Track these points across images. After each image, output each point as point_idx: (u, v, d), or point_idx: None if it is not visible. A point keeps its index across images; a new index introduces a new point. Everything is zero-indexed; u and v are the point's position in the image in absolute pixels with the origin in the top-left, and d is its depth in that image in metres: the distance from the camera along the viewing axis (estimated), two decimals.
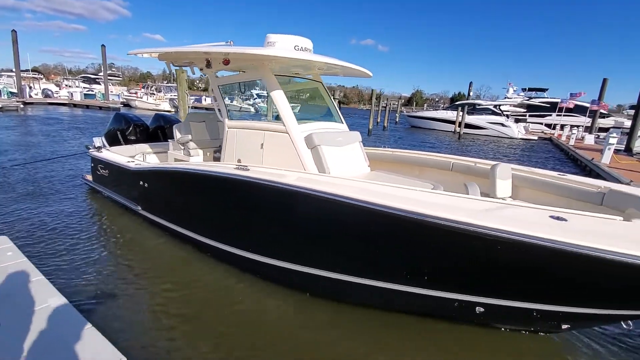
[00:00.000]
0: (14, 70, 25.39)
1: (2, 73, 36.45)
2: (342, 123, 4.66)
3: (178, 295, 3.31)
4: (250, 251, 3.49)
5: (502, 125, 26.80)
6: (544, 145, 23.32)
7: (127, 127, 6.66)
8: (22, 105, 21.65)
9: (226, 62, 4.15)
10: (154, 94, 32.39)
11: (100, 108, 27.76)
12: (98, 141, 6.57)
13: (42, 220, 4.93)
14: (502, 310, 2.64)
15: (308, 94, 5.27)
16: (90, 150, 5.90)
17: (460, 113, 25.45)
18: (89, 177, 6.32)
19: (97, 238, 4.49)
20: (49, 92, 31.42)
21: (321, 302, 3.26)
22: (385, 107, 31.29)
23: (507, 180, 3.74)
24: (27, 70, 35.88)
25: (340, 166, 3.86)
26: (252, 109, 11.73)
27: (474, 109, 28.29)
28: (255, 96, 12.49)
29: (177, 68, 5.18)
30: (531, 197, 3.73)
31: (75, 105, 29.03)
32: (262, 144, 4.02)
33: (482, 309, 2.69)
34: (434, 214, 2.21)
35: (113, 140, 6.59)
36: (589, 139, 20.03)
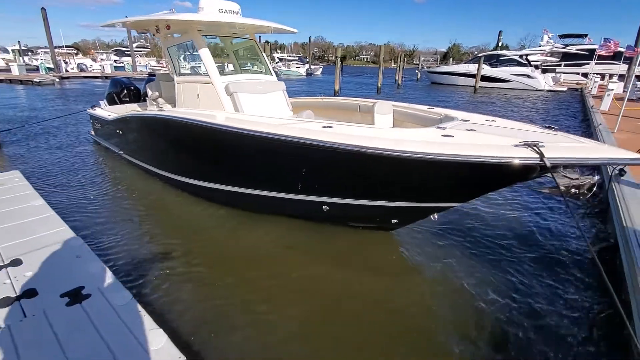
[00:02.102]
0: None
1: (40, 50, 39.51)
2: (271, 75, 5.49)
3: (156, 223, 4.57)
4: (186, 176, 4.61)
5: (528, 76, 25.24)
6: (570, 97, 21.98)
7: (122, 90, 7.90)
8: (57, 80, 24.02)
9: (168, 27, 5.07)
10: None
11: (128, 79, 29.78)
12: (103, 103, 7.92)
13: (54, 162, 6.41)
14: (340, 207, 3.53)
15: (246, 51, 6.05)
16: (88, 110, 7.23)
17: (482, 66, 24.29)
18: (92, 132, 7.74)
19: (93, 176, 5.84)
20: (84, 67, 33.95)
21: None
22: (420, 64, 30.12)
23: (387, 115, 4.47)
24: (62, 47, 38.56)
25: (255, 110, 4.76)
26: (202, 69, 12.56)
27: (497, 61, 26.74)
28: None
29: (142, 33, 6.17)
30: (408, 127, 4.45)
31: (106, 78, 31.29)
32: (197, 94, 5.01)
33: (327, 207, 3.61)
34: (256, 129, 3.09)
35: (111, 101, 7.88)
36: (616, 87, 18.63)
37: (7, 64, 31.41)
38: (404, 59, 29.79)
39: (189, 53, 5.56)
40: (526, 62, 26.34)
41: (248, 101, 4.74)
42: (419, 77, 34.97)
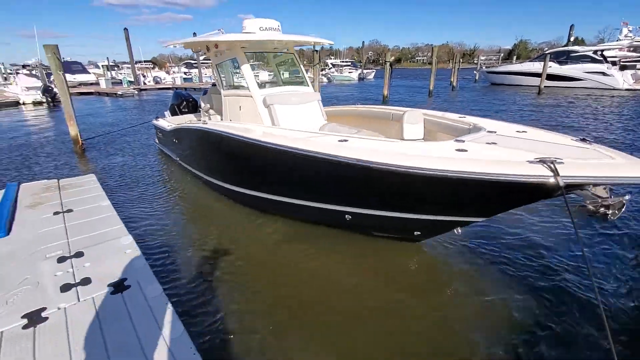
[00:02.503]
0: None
1: (124, 65, 44.95)
2: (308, 86, 5.72)
3: (198, 223, 5.09)
4: (225, 182, 5.01)
5: (603, 74, 22.44)
6: None
7: (181, 102, 8.77)
8: (136, 92, 27.21)
9: (216, 46, 5.59)
10: None
11: (195, 89, 32.57)
12: (167, 114, 8.89)
13: (124, 166, 7.36)
14: (361, 216, 3.59)
15: (287, 64, 6.35)
16: (152, 121, 8.16)
17: (548, 64, 22.12)
18: (156, 141, 8.70)
19: (153, 180, 6.61)
20: (158, 79, 37.92)
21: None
22: (483, 63, 28.55)
23: (417, 124, 4.40)
24: (141, 62, 43.51)
25: (290, 120, 5.01)
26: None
27: (568, 58, 24.14)
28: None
29: (197, 52, 6.83)
30: (437, 137, 4.33)
31: (177, 89, 34.64)
32: (240, 106, 5.43)
33: (350, 217, 3.69)
34: (273, 141, 3.29)
35: (173, 112, 8.80)
36: None
37: (97, 78, 36.28)
38: (460, 59, 28.18)
39: (233, 69, 6.03)
40: (601, 59, 23.35)
41: (283, 112, 5.01)
42: (477, 78, 32.95)
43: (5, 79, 28.40)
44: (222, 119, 6.03)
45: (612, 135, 9.60)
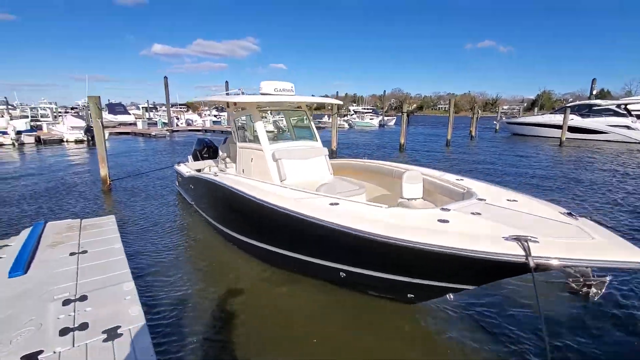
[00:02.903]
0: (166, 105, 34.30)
1: (161, 107, 48.67)
2: (317, 141, 6.07)
3: (198, 262, 5.30)
4: (229, 229, 5.23)
5: (627, 127, 22.03)
6: None
7: (203, 148, 9.39)
8: (169, 133, 29.16)
9: (235, 104, 6.14)
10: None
11: (222, 132, 34.47)
12: (190, 158, 9.50)
13: (144, 208, 7.80)
14: (355, 275, 3.65)
15: (299, 120, 6.80)
16: (174, 166, 8.73)
17: (570, 116, 22.00)
18: (177, 184, 9.22)
19: (168, 224, 6.96)
20: (190, 121, 40.58)
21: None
22: (504, 113, 28.93)
23: (417, 184, 4.53)
24: (176, 105, 47.07)
25: (296, 174, 5.29)
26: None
27: (590, 111, 24.00)
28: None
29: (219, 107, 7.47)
30: (435, 198, 4.42)
31: (206, 131, 36.78)
32: (251, 159, 5.80)
33: (344, 274, 3.75)
34: (267, 200, 3.50)
35: (195, 157, 9.40)
36: None
37: (136, 119, 39.27)
38: (479, 109, 28.57)
39: (248, 124, 6.53)
40: (625, 112, 23.10)
41: (290, 166, 5.32)
42: (497, 128, 32.99)
43: (55, 117, 31.30)
44: (236, 169, 6.42)
45: (632, 197, 9.23)
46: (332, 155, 15.77)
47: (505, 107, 49.81)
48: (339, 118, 43.59)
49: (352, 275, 3.67)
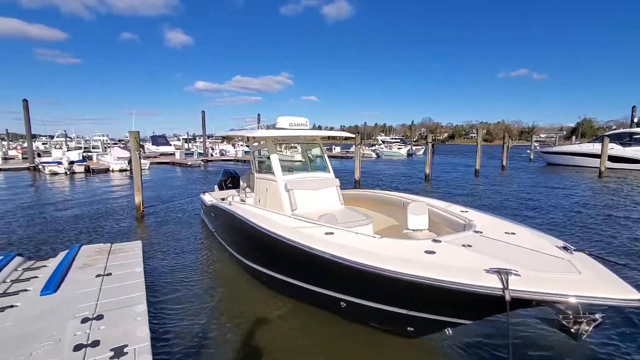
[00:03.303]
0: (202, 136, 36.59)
1: (198, 138, 51.80)
2: (329, 172, 6.28)
3: (208, 292, 5.54)
4: (241, 256, 5.43)
5: None
6: None
7: (227, 178, 9.92)
8: (203, 163, 30.82)
9: (253, 138, 6.56)
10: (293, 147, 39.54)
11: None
12: (216, 187, 10.06)
13: (170, 234, 8.27)
14: (355, 305, 3.67)
15: (313, 152, 7.08)
16: (200, 195, 9.26)
17: (610, 145, 20.73)
18: (202, 212, 9.71)
19: (190, 250, 7.32)
20: (224, 152, 42.65)
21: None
22: (541, 142, 27.95)
23: (422, 215, 4.53)
24: (212, 136, 49.91)
25: (308, 204, 5.48)
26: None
27: (631, 140, 22.51)
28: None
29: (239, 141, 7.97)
30: (440, 229, 4.39)
31: (237, 161, 38.47)
32: (266, 189, 6.09)
33: (344, 304, 3.79)
34: (289, 237, 3.65)
35: (220, 187, 9.93)
36: None
37: (175, 149, 41.94)
38: (510, 138, 27.65)
39: (265, 156, 6.91)
40: None
41: (301, 196, 5.54)
42: (531, 157, 31.59)
43: (105, 149, 34.32)
44: (254, 199, 6.74)
45: None
46: (356, 185, 15.84)
47: (542, 135, 47.82)
48: (366, 147, 44.06)
49: (352, 305, 3.69)
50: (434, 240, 3.03)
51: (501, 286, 2.12)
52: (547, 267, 2.38)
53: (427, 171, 17.93)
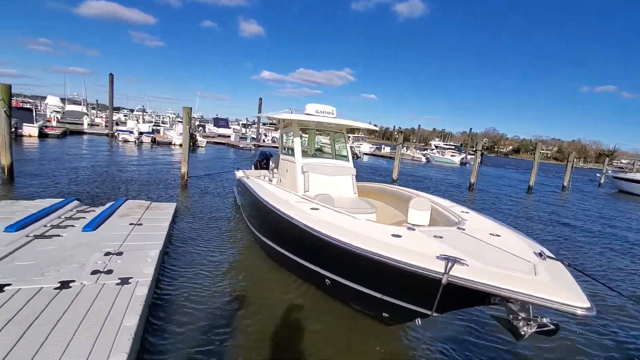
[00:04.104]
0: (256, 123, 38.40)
1: (251, 125, 54.45)
2: (348, 161, 6.42)
3: (226, 272, 6.07)
4: (266, 237, 5.79)
5: None
6: None
7: (262, 159, 10.48)
8: (254, 147, 32.41)
9: (283, 121, 6.92)
10: None
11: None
12: (253, 167, 10.71)
13: (204, 201, 9.05)
14: (338, 284, 3.83)
15: (337, 139, 7.21)
16: (235, 170, 9.93)
17: None
18: (235, 186, 10.41)
19: (218, 216, 7.96)
20: (274, 139, 44.24)
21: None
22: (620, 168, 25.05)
23: (424, 211, 4.50)
24: (267, 124, 52.01)
25: (321, 188, 5.70)
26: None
27: None
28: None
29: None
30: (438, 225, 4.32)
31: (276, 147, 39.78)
32: (287, 169, 6.43)
33: (329, 282, 3.97)
34: (266, 198, 3.95)
35: (255, 167, 10.54)
36: None
37: (233, 132, 44.50)
38: (575, 158, 24.80)
39: (290, 139, 7.23)
40: None
41: (315, 180, 5.79)
42: (602, 181, 28.06)
43: (172, 125, 37.70)
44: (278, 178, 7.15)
45: None
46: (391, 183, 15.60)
47: (623, 160, 42.10)
48: (417, 151, 42.62)
49: (335, 283, 3.86)
50: (409, 228, 3.08)
51: (442, 271, 2.17)
52: (503, 265, 2.34)
53: (473, 180, 17.01)
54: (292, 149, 6.49)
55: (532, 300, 2.00)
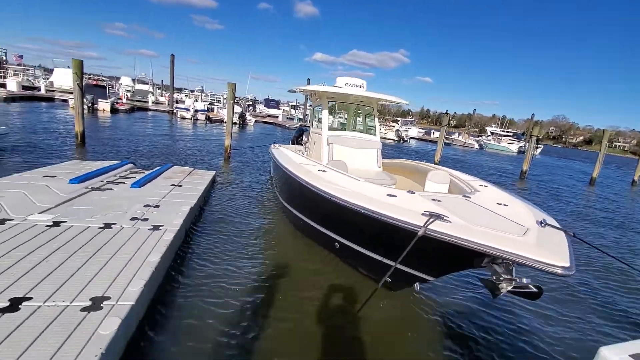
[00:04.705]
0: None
1: (300, 106, 55.05)
2: (375, 135, 6.38)
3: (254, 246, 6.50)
4: (288, 204, 6.05)
5: None
6: None
7: (299, 135, 10.74)
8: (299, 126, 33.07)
9: (314, 94, 7.04)
10: (387, 125, 38.72)
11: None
12: (290, 143, 11.06)
13: (241, 171, 9.62)
14: (346, 248, 3.97)
15: (367, 113, 7.12)
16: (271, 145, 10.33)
17: None
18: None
19: (252, 183, 8.45)
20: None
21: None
22: None
23: (441, 184, 4.39)
24: None
25: (345, 159, 5.78)
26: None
27: None
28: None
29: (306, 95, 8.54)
30: None
31: None
32: (315, 142, 6.59)
33: (338, 245, 4.13)
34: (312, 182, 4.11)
35: (293, 142, 10.86)
36: None
37: (283, 112, 45.52)
38: None
39: (318, 111, 7.32)
40: None
41: (340, 151, 5.90)
42: None
43: (233, 106, 39.78)
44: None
45: None
46: None
47: None
48: (469, 136, 40.12)
49: (343, 247, 4.01)
50: (409, 192, 3.09)
51: (421, 224, 2.21)
52: (491, 226, 2.30)
53: (525, 168, 15.74)
54: (320, 121, 6.61)
55: (506, 255, 1.97)
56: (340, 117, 7.93)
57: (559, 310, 4.08)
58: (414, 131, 42.11)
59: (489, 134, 42.89)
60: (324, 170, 3.78)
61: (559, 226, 2.53)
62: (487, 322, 3.66)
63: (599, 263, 5.77)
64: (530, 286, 2.09)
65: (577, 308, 4.23)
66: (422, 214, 2.36)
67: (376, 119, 6.73)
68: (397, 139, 33.89)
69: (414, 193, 3.06)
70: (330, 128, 6.48)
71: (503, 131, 44.23)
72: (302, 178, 3.53)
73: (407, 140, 34.65)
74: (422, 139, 40.88)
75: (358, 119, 7.27)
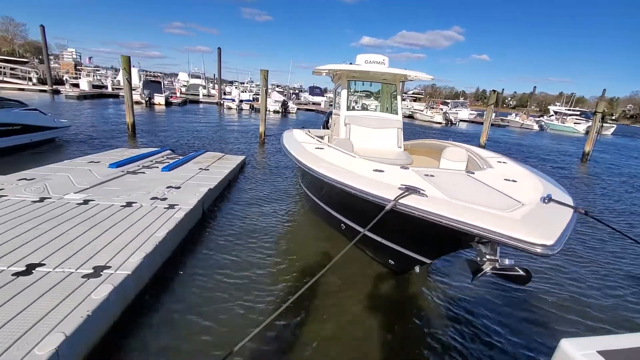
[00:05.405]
0: None
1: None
2: (396, 114, 6.05)
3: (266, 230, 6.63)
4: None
5: None
6: None
7: (329, 119, 10.65)
8: None
9: (337, 73, 6.86)
10: (434, 108, 36.65)
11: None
12: (321, 127, 11.03)
13: (269, 156, 9.82)
14: (351, 229, 3.87)
15: (390, 92, 6.74)
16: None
17: None
18: None
19: (276, 166, 8.59)
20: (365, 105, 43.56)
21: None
22: None
23: (457, 162, 4.04)
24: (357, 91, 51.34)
25: (362, 139, 5.61)
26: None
27: None
28: None
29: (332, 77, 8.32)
30: None
31: None
32: (334, 123, 6.46)
33: (344, 226, 4.05)
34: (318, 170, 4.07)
35: (323, 127, 10.79)
36: None
37: (326, 99, 45.39)
38: None
39: (339, 93, 7.11)
40: None
41: (356, 131, 5.75)
42: None
43: (266, 92, 40.78)
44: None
45: None
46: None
47: None
48: (527, 117, 36.55)
49: (348, 228, 3.93)
50: (402, 167, 2.89)
51: (392, 198, 2.06)
52: (475, 201, 2.06)
53: (587, 149, 13.98)
54: (339, 102, 6.44)
55: (477, 231, 1.76)
56: (363, 98, 7.67)
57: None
58: (465, 113, 39.41)
59: (552, 113, 38.62)
60: (321, 148, 3.69)
61: (568, 203, 2.19)
62: (501, 312, 3.36)
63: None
64: (517, 268, 1.86)
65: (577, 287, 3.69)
66: (399, 188, 2.20)
67: (399, 97, 6.38)
68: (444, 121, 32.02)
69: (407, 169, 2.86)
70: (351, 109, 6.29)
71: (568, 110, 39.40)
72: (295, 157, 3.49)
73: (455, 123, 32.61)
74: (473, 121, 38.16)
75: (380, 99, 6.97)
